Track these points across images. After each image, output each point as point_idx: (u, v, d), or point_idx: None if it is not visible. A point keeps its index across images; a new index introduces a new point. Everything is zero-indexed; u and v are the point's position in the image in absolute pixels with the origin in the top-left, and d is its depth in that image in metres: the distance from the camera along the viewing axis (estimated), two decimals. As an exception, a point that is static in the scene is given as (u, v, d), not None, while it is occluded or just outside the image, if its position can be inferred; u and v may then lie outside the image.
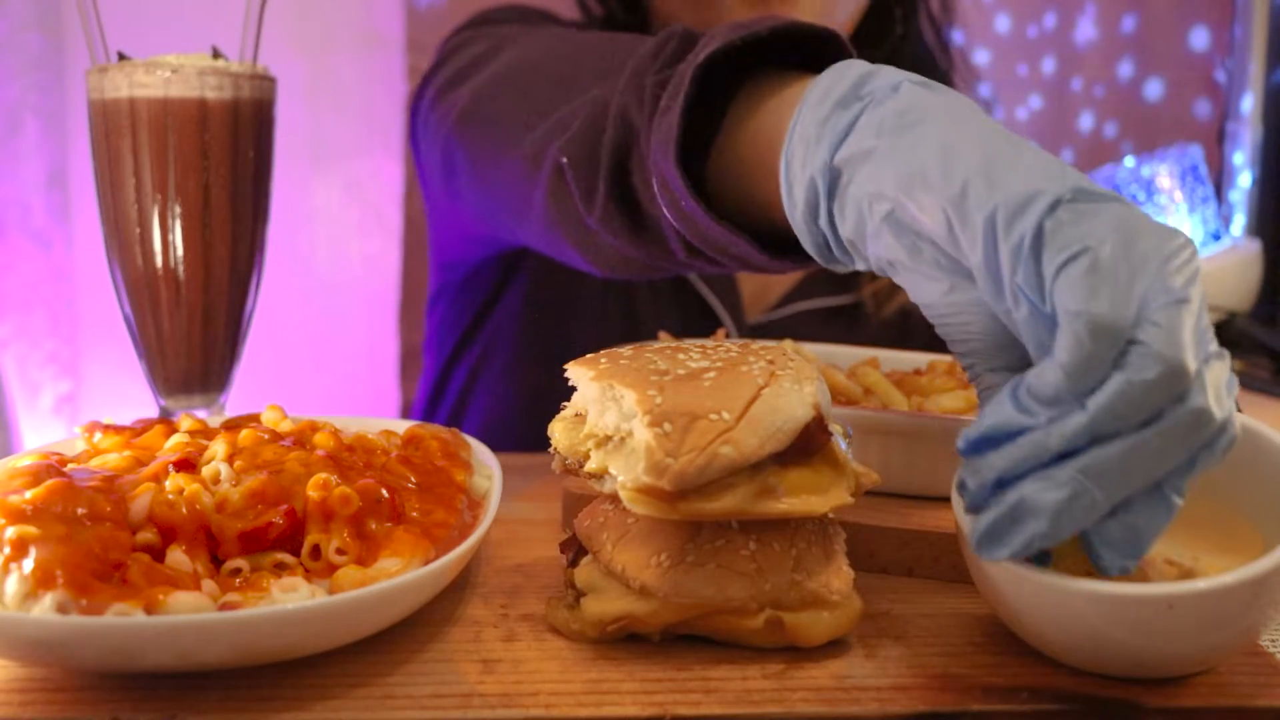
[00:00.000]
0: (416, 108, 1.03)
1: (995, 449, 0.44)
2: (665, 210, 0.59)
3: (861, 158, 0.48)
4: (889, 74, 0.51)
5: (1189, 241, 0.42)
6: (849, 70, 0.52)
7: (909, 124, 0.47)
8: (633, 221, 0.63)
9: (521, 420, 1.11)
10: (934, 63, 1.15)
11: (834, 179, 0.50)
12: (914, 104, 0.48)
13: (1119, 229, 0.42)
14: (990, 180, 0.44)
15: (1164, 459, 0.43)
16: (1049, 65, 1.98)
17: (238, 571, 0.50)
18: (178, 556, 0.49)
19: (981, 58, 1.96)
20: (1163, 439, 0.42)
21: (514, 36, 0.91)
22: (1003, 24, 1.97)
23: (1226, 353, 0.44)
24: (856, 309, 1.13)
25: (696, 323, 1.09)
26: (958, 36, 1.25)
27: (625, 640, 0.52)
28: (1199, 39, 1.94)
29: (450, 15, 1.56)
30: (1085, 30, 1.96)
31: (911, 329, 1.12)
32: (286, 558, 0.51)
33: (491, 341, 1.14)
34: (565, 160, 0.65)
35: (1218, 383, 0.42)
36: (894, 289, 1.11)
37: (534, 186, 0.72)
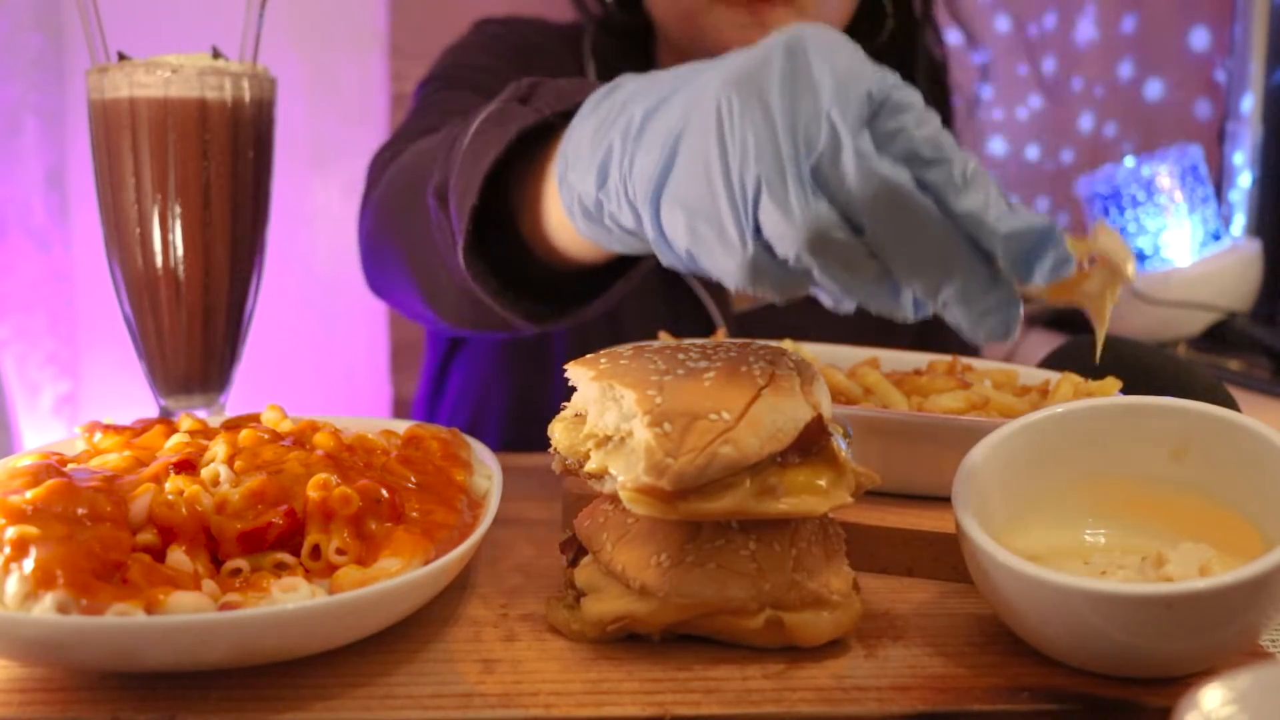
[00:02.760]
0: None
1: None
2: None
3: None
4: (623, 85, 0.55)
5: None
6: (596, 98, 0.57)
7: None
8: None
9: (508, 420, 1.11)
10: (930, 58, 1.15)
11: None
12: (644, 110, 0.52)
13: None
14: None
15: None
16: (1049, 65, 1.98)
17: (238, 572, 0.50)
18: (178, 557, 0.49)
19: (981, 58, 1.96)
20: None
21: (425, 125, 0.94)
22: (1003, 24, 1.97)
23: None
24: None
25: (686, 315, 1.09)
26: (953, 35, 1.25)
27: (625, 640, 0.52)
28: (1199, 39, 1.94)
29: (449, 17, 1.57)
30: (1085, 30, 1.96)
31: (893, 325, 1.12)
32: (286, 558, 0.51)
33: (482, 339, 1.14)
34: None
35: None
36: None
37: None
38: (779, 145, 0.44)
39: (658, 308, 1.09)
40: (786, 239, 0.44)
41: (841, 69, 0.44)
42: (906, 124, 0.43)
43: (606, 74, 1.06)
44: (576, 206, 0.57)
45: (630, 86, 0.55)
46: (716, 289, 1.09)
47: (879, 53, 1.10)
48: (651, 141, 0.50)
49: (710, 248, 0.48)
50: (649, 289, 1.09)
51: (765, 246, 0.46)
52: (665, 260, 0.53)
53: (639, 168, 0.50)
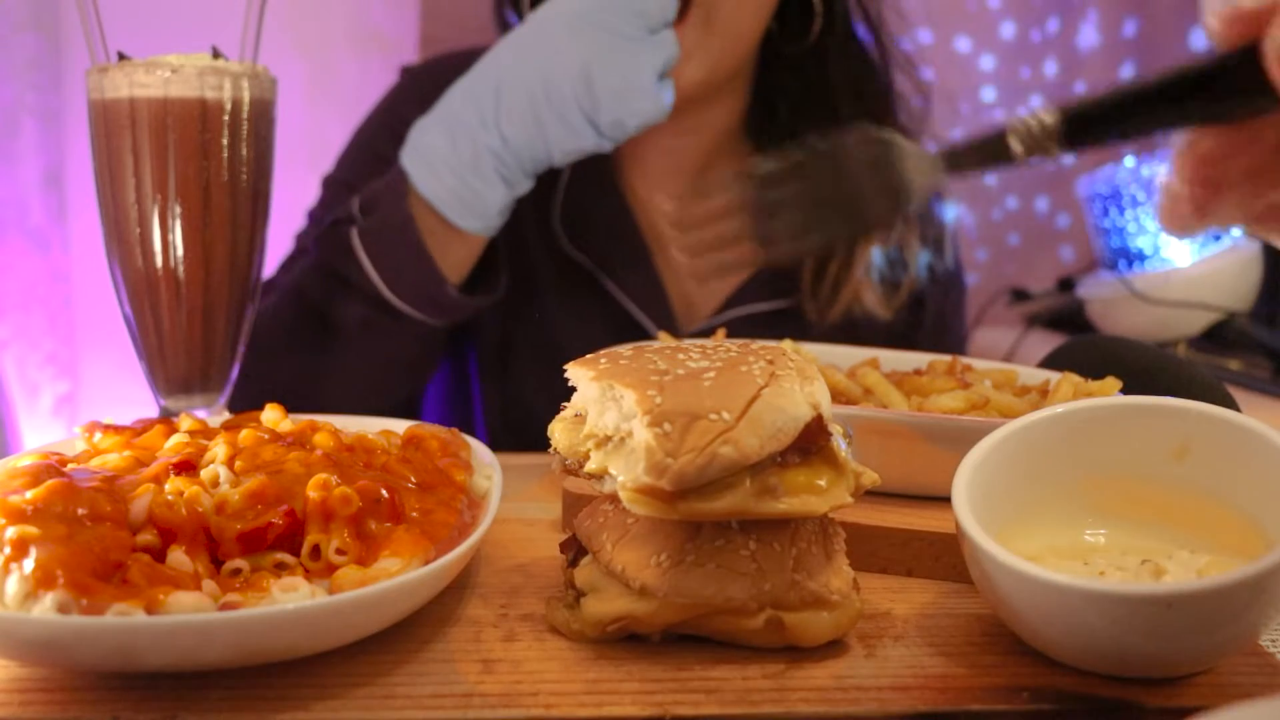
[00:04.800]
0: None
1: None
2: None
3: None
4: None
5: None
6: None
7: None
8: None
9: (487, 426, 1.12)
10: (863, 54, 1.11)
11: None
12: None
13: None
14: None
15: None
16: (1051, 69, 1.98)
17: (238, 572, 0.50)
18: (178, 557, 0.49)
19: (987, 63, 1.96)
20: None
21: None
22: (1008, 29, 1.97)
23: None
24: (796, 313, 1.10)
25: (626, 339, 1.08)
26: (925, 36, 1.21)
27: (625, 640, 0.52)
28: (1199, 42, 1.94)
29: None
30: (1087, 35, 1.96)
31: (859, 335, 1.10)
32: (286, 558, 0.51)
33: (463, 351, 1.15)
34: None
35: None
36: (835, 292, 1.09)
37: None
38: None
39: (597, 334, 1.07)
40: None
41: None
42: None
43: None
44: (440, 189, 0.86)
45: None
46: (656, 308, 1.08)
47: (805, 53, 1.09)
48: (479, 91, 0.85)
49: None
50: (588, 315, 1.08)
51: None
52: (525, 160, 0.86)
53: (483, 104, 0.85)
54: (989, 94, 1.97)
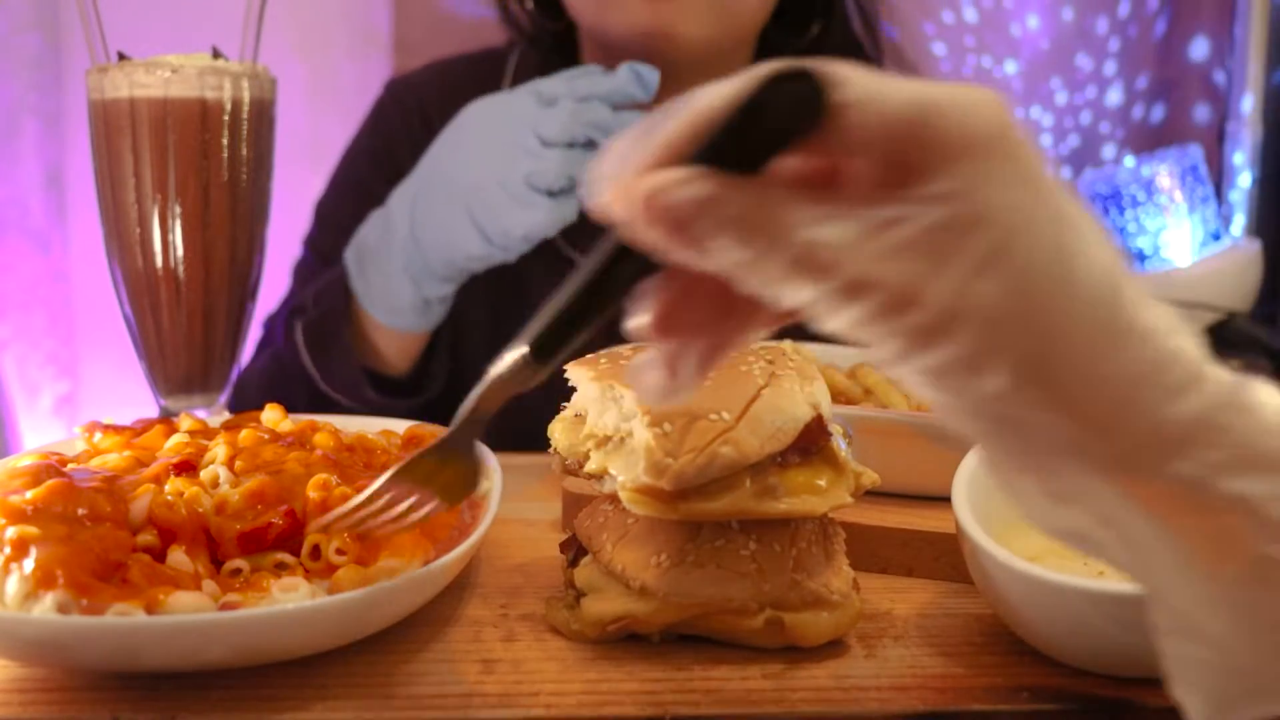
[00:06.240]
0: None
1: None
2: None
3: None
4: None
5: None
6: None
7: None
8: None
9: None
10: (860, 50, 1.14)
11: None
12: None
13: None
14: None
15: None
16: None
17: (238, 572, 0.50)
18: (178, 557, 0.49)
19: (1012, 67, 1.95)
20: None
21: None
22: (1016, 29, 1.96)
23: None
24: None
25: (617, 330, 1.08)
26: (891, 31, 1.23)
27: (625, 640, 0.52)
28: (1199, 45, 1.94)
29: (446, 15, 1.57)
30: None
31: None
32: (286, 558, 0.51)
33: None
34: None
35: None
36: None
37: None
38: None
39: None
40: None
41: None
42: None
43: None
44: (378, 296, 0.89)
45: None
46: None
47: (804, 49, 1.10)
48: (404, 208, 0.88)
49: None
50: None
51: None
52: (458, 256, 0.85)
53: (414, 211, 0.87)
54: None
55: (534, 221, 0.81)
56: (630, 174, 0.33)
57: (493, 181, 0.81)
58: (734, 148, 0.32)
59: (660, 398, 0.38)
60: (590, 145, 0.81)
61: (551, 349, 0.39)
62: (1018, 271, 0.32)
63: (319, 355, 0.93)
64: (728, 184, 0.32)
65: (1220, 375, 0.34)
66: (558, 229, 0.82)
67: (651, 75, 0.83)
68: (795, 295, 0.33)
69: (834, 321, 0.33)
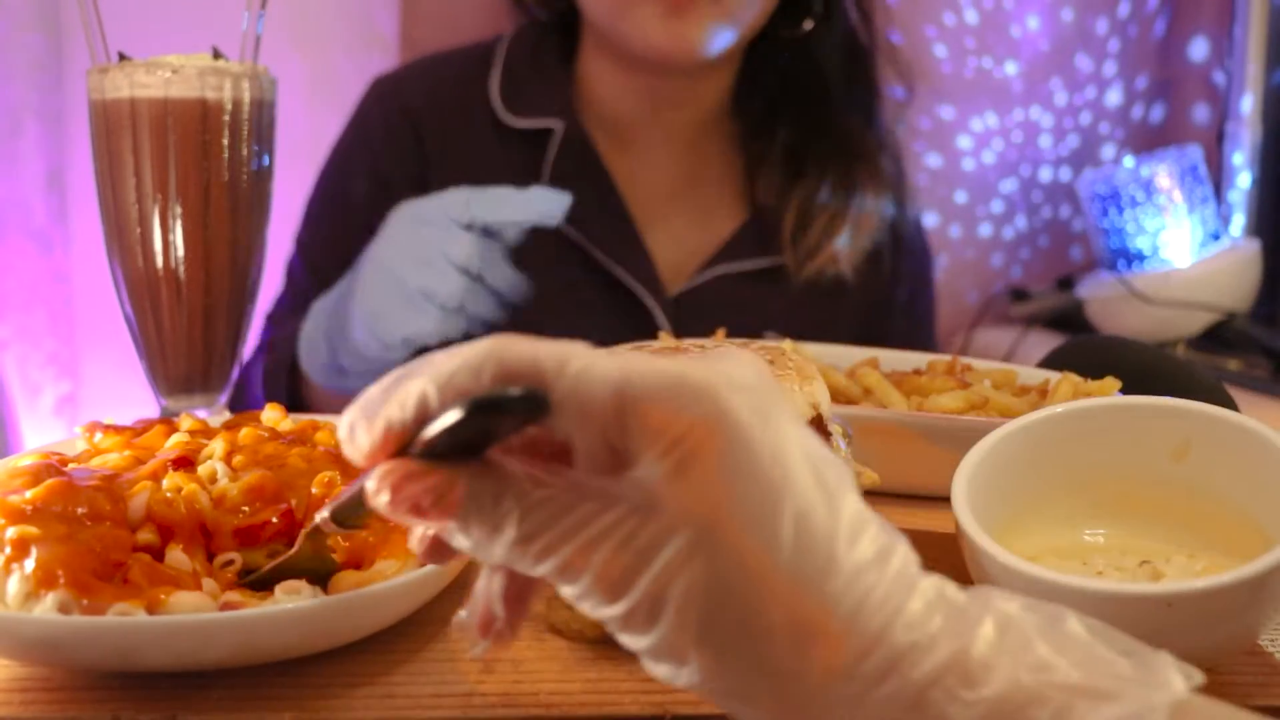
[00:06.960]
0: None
1: None
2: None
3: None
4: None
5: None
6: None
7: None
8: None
9: None
10: (855, 43, 1.16)
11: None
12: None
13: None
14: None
15: None
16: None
17: (230, 564, 0.50)
18: (178, 556, 0.49)
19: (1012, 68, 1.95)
20: None
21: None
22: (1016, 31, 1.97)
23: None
24: (779, 271, 1.13)
25: (620, 302, 1.11)
26: (894, 36, 1.25)
27: (625, 640, 0.51)
28: (1199, 46, 1.94)
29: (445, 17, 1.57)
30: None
31: (841, 291, 1.14)
32: (279, 548, 0.51)
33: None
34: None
35: None
36: (813, 251, 1.13)
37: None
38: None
39: (594, 301, 1.11)
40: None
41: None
42: None
43: (511, 88, 1.11)
44: (316, 363, 0.95)
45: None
46: (642, 271, 1.11)
47: (799, 41, 1.11)
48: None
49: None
50: (577, 283, 1.11)
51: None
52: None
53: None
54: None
55: (419, 328, 0.85)
56: (364, 453, 0.35)
57: (395, 281, 0.85)
58: (459, 440, 0.34)
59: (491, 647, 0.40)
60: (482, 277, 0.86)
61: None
62: (713, 570, 0.33)
63: (290, 388, 1.01)
64: (450, 473, 0.34)
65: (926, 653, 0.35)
66: (440, 340, 0.84)
67: (562, 201, 0.87)
68: (533, 570, 0.35)
69: (569, 594, 0.35)
